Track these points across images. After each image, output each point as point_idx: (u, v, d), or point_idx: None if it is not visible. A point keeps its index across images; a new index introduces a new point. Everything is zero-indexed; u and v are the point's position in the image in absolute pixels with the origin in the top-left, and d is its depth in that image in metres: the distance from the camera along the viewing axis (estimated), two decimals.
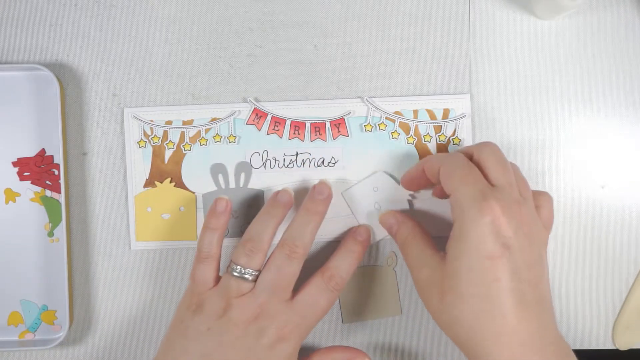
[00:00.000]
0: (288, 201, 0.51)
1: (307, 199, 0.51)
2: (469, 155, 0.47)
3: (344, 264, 0.50)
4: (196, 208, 0.54)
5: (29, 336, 0.54)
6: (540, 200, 0.47)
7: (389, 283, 0.54)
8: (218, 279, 0.50)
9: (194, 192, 0.54)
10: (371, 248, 0.54)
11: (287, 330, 0.47)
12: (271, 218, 0.50)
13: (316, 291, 0.49)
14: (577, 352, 0.55)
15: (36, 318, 0.54)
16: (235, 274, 0.48)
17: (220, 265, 0.51)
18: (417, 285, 0.47)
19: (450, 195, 0.45)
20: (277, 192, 0.51)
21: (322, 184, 0.51)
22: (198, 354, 0.47)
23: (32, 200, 0.54)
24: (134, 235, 0.54)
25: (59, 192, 0.53)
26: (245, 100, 0.53)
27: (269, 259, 0.49)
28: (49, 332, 0.54)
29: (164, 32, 0.54)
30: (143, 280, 0.54)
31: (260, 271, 0.49)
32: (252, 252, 0.48)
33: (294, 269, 0.48)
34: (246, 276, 0.48)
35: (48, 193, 0.54)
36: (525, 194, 0.46)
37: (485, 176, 0.45)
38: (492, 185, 0.44)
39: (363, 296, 0.55)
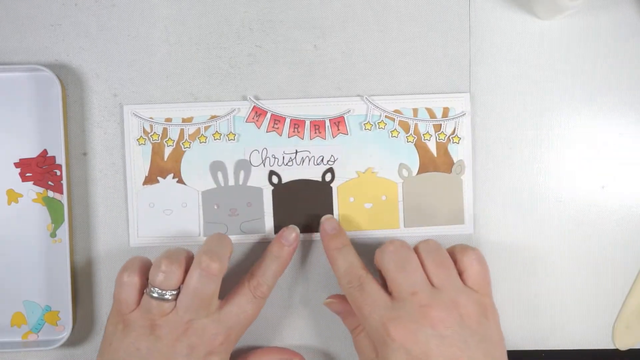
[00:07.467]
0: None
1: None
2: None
3: (269, 271, 0.50)
4: (198, 205, 0.54)
5: (32, 337, 0.54)
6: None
7: (455, 191, 0.54)
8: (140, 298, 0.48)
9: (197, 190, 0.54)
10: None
11: (216, 344, 0.47)
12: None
13: (243, 300, 0.49)
14: (577, 352, 0.55)
15: (39, 319, 0.54)
16: (155, 295, 0.47)
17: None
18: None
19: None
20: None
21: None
22: None
23: (34, 201, 0.54)
24: (136, 230, 0.54)
25: (61, 193, 0.53)
26: (245, 98, 0.54)
27: (185, 279, 0.47)
28: (52, 333, 0.54)
29: (164, 32, 0.53)
30: None
31: (180, 288, 0.47)
32: (168, 270, 0.47)
33: (213, 288, 0.47)
34: (166, 297, 0.47)
35: (50, 194, 0.54)
36: None
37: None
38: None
39: (426, 202, 0.54)
